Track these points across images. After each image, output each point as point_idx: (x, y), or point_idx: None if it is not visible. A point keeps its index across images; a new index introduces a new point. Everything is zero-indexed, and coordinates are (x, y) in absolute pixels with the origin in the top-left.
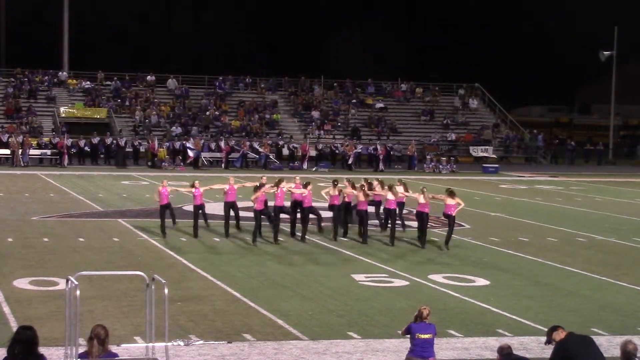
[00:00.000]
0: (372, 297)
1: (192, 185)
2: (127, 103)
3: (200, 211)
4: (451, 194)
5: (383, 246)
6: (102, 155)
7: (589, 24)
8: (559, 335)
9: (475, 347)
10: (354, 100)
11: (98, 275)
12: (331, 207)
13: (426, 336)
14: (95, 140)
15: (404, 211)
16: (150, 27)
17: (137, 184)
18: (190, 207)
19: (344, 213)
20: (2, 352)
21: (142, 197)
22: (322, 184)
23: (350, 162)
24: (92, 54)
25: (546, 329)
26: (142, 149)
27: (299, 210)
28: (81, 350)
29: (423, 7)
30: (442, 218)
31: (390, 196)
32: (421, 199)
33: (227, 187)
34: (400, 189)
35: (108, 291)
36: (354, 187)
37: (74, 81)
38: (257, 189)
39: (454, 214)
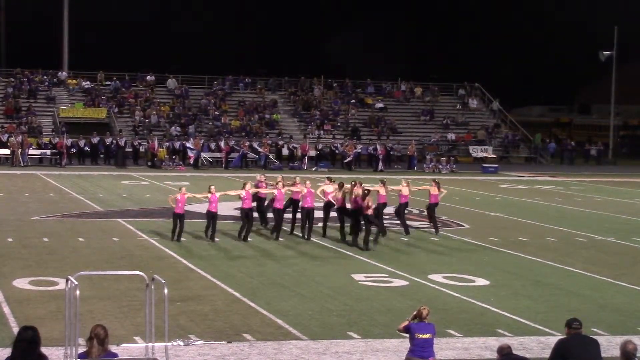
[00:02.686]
0: (372, 297)
1: (209, 191)
2: (126, 103)
3: (212, 219)
4: (437, 185)
5: (383, 246)
6: (101, 155)
7: (589, 24)
8: (566, 333)
9: (475, 347)
10: (354, 100)
11: (98, 275)
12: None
13: (426, 336)
14: (95, 140)
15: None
16: (150, 27)
17: (137, 184)
18: (192, 208)
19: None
20: (1, 352)
21: (142, 197)
22: (321, 184)
23: (346, 161)
24: (92, 54)
25: (546, 329)
26: (142, 149)
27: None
28: (81, 350)
29: (423, 7)
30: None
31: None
32: (405, 191)
33: (243, 192)
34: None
35: (108, 291)
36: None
37: (74, 81)
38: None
39: (438, 202)
